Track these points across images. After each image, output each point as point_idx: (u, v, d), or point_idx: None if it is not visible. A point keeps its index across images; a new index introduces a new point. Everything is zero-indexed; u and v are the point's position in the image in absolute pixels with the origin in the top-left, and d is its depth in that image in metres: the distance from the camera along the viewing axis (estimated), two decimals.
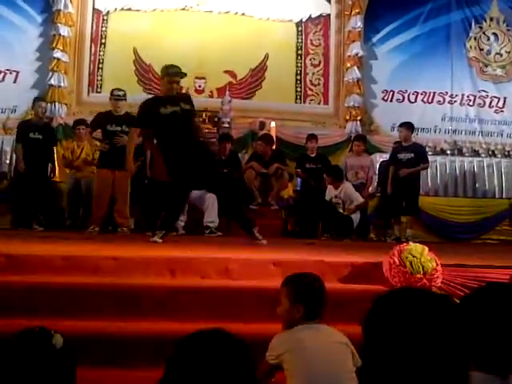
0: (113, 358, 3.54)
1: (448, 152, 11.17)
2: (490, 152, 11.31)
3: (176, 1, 11.36)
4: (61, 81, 10.71)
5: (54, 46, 10.72)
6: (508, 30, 11.93)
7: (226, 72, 11.35)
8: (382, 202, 9.50)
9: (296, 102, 11.58)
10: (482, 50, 11.85)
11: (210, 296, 4.13)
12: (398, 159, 9.13)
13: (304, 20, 11.71)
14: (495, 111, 11.76)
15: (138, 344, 3.64)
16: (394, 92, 11.65)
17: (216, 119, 10.19)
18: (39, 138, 8.78)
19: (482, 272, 4.50)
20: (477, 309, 1.74)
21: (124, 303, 4.00)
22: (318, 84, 11.70)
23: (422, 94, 11.65)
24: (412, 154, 9.05)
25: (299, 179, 9.91)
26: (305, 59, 11.69)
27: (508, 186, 10.73)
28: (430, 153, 10.76)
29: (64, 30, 10.77)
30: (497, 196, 10.74)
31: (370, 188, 9.81)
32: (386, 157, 10.15)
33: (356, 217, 8.92)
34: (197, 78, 11.19)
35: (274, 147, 9.85)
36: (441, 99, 11.69)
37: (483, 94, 11.76)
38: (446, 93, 11.68)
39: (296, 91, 11.61)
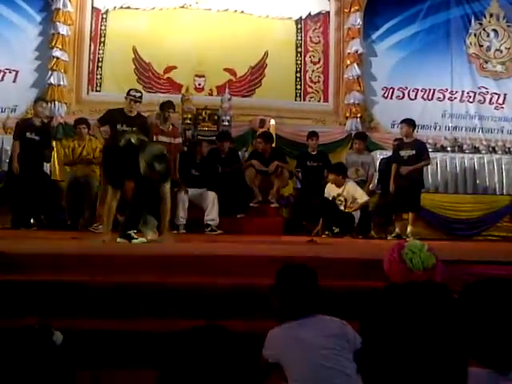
0: (111, 356, 3.54)
1: (448, 149, 11.15)
2: (491, 148, 11.28)
3: None
4: (60, 80, 10.68)
5: (53, 44, 10.69)
6: (508, 26, 11.91)
7: (225, 70, 11.33)
8: (383, 199, 9.49)
9: (296, 100, 11.56)
10: (481, 46, 11.83)
11: (209, 293, 4.12)
12: (399, 156, 9.11)
13: (303, 17, 11.69)
14: (495, 108, 11.74)
15: (136, 342, 3.63)
16: (393, 89, 11.63)
17: (216, 117, 10.17)
18: (35, 138, 8.77)
19: (483, 268, 4.50)
20: (476, 304, 1.73)
21: (123, 301, 4.00)
22: (318, 81, 11.69)
23: (421, 90, 11.64)
24: (413, 151, 9.03)
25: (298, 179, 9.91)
26: (304, 57, 11.67)
27: (508, 183, 10.71)
28: (430, 150, 10.73)
29: (63, 29, 10.75)
30: (497, 192, 10.72)
31: (371, 185, 9.79)
32: (386, 154, 10.15)
33: (356, 214, 8.91)
34: (196, 75, 11.18)
35: (273, 145, 9.85)
36: (441, 96, 11.67)
37: (483, 90, 11.74)
38: (446, 89, 11.67)
39: (296, 89, 11.60)
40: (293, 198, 9.77)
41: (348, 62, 11.44)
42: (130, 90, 8.47)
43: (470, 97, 11.71)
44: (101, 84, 11.03)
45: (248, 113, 10.93)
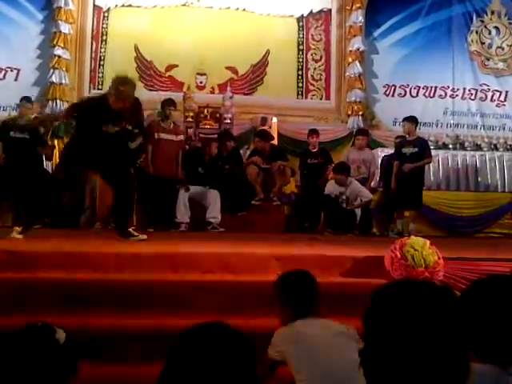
0: (114, 353, 3.55)
1: (450, 146, 11.15)
2: (492, 146, 11.27)
3: None
4: (62, 78, 10.69)
5: (54, 43, 10.69)
6: (510, 23, 11.89)
7: (227, 68, 11.34)
8: (385, 196, 9.49)
9: (298, 98, 11.56)
10: (483, 43, 11.82)
11: (211, 291, 4.13)
12: (402, 153, 9.11)
13: (305, 15, 11.69)
14: (497, 105, 11.73)
15: (139, 339, 3.64)
16: (395, 86, 11.63)
17: (217, 115, 10.17)
18: (21, 137, 8.76)
19: (484, 265, 4.50)
20: (478, 300, 1.74)
21: (125, 299, 4.01)
22: (320, 79, 11.69)
23: (423, 88, 11.63)
24: (416, 149, 9.03)
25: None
26: (306, 54, 11.67)
27: (510, 180, 10.70)
28: (432, 147, 10.73)
29: (65, 27, 10.75)
30: (499, 190, 10.71)
31: (372, 183, 9.79)
32: (387, 151, 10.14)
33: (358, 211, 8.91)
34: (198, 74, 11.18)
35: (273, 142, 9.86)
36: (442, 93, 11.67)
37: (485, 87, 11.74)
38: (448, 87, 11.66)
39: (297, 86, 11.59)
40: (294, 195, 9.77)
41: (350, 60, 11.44)
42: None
43: (472, 94, 11.70)
44: (102, 82, 11.02)
45: (250, 111, 10.92)
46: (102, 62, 11.15)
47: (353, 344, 2.66)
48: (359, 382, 1.52)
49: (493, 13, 11.86)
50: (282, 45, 11.56)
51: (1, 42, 10.68)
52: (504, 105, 11.71)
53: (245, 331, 1.53)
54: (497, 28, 11.88)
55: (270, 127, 10.37)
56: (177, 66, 11.19)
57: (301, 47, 11.67)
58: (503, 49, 11.85)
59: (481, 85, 11.72)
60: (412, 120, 9.24)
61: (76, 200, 8.86)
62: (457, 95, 11.67)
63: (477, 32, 11.81)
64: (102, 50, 11.16)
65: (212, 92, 11.24)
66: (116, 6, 11.25)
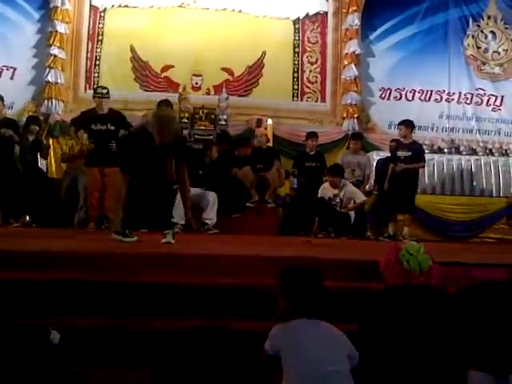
0: (110, 354, 3.53)
1: (445, 150, 11.16)
2: (488, 150, 11.29)
3: None
4: (58, 77, 10.67)
5: (50, 42, 10.69)
6: (506, 28, 11.91)
7: (222, 69, 11.32)
8: (379, 200, 9.48)
9: (293, 100, 11.55)
10: (479, 48, 11.84)
11: (205, 293, 4.11)
12: (396, 157, 9.12)
13: (301, 17, 11.68)
14: (493, 109, 11.74)
15: (135, 341, 3.62)
16: (391, 90, 11.63)
17: (213, 116, 10.17)
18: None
19: (479, 270, 4.49)
20: (474, 307, 1.72)
21: (119, 300, 3.99)
22: (315, 82, 11.69)
23: (419, 92, 11.64)
24: (410, 153, 9.04)
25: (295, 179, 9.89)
26: (302, 57, 11.67)
27: (505, 185, 10.71)
28: (427, 151, 10.75)
29: (61, 27, 10.74)
30: (494, 194, 10.72)
31: (367, 186, 9.79)
32: (383, 155, 10.14)
33: (352, 215, 8.90)
34: (194, 75, 11.17)
35: (268, 143, 9.87)
36: (438, 97, 11.68)
37: (481, 92, 11.75)
38: (444, 91, 11.67)
39: (293, 89, 11.59)
40: (289, 198, 9.75)
41: (345, 63, 11.44)
42: (97, 87, 8.76)
43: (468, 98, 11.71)
44: (98, 82, 10.97)
45: (245, 112, 10.94)
46: (97, 62, 11.15)
47: (345, 353, 2.63)
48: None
49: (489, 17, 11.88)
50: (278, 47, 11.56)
51: None
52: (500, 109, 11.73)
53: (240, 334, 1.52)
54: (493, 32, 11.90)
55: (266, 128, 10.38)
56: (173, 66, 11.18)
57: (297, 49, 11.66)
58: (499, 53, 11.86)
59: (477, 89, 11.73)
60: (408, 124, 9.24)
61: (71, 199, 8.84)
62: (452, 99, 11.68)
63: (473, 36, 11.83)
64: (98, 49, 11.16)
65: (207, 93, 11.23)
66: (112, 6, 11.24)
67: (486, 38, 11.88)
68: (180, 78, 11.06)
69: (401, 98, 11.66)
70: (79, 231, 8.02)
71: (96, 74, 11.12)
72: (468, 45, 11.81)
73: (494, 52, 11.86)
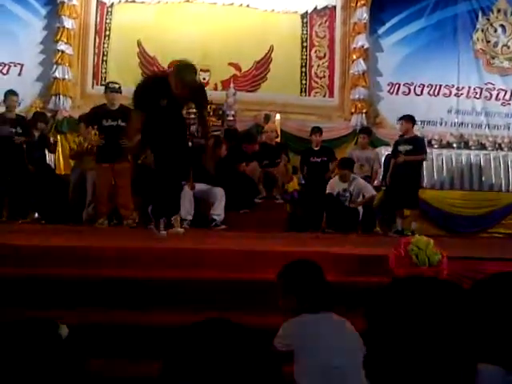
0: (116, 349, 3.52)
1: (454, 145, 11.11)
2: (497, 145, 11.23)
3: None
4: (65, 73, 10.68)
5: (58, 38, 10.70)
6: None
7: (230, 64, 11.31)
8: (386, 195, 9.45)
9: (301, 95, 11.53)
10: (488, 42, 11.76)
11: (213, 288, 4.10)
12: (398, 151, 9.10)
13: (309, 12, 11.65)
14: (502, 104, 11.67)
15: (140, 335, 3.62)
16: (399, 85, 11.59)
17: (220, 112, 10.16)
18: (12, 131, 8.71)
19: (489, 265, 4.46)
20: (485, 300, 1.69)
21: (126, 295, 3.98)
22: (324, 76, 11.65)
23: (428, 86, 11.58)
24: (410, 146, 9.00)
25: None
26: (310, 51, 11.63)
27: None
28: (435, 146, 10.71)
29: (68, 23, 10.74)
30: (503, 189, 10.67)
31: (376, 181, 9.75)
32: (391, 150, 10.09)
33: (360, 210, 8.88)
34: (201, 70, 11.07)
35: (276, 139, 9.84)
36: (447, 92, 11.62)
37: (490, 86, 11.68)
38: (453, 85, 11.61)
39: (301, 84, 11.56)
40: (297, 193, 9.73)
41: (354, 57, 11.40)
42: (108, 82, 8.70)
43: (477, 93, 11.65)
44: (105, 78, 10.99)
45: (253, 108, 10.90)
46: (105, 58, 11.15)
47: (357, 346, 2.61)
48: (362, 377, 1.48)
49: (499, 11, 11.79)
50: (285, 41, 11.53)
51: (4, 38, 10.67)
52: (509, 104, 11.66)
53: (250, 328, 1.50)
54: (503, 26, 11.82)
55: (274, 123, 10.34)
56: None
57: (304, 44, 11.63)
58: (509, 47, 11.78)
59: (486, 83, 11.66)
60: (408, 119, 9.21)
61: (79, 196, 8.84)
62: (461, 94, 11.62)
63: (482, 30, 11.75)
64: (106, 45, 11.16)
65: (215, 88, 11.19)
66: (119, 1, 11.25)
67: (495, 31, 11.80)
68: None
69: (409, 93, 11.61)
70: (88, 227, 8.02)
71: (103, 70, 11.13)
72: (477, 39, 11.74)
73: (504, 46, 11.79)
